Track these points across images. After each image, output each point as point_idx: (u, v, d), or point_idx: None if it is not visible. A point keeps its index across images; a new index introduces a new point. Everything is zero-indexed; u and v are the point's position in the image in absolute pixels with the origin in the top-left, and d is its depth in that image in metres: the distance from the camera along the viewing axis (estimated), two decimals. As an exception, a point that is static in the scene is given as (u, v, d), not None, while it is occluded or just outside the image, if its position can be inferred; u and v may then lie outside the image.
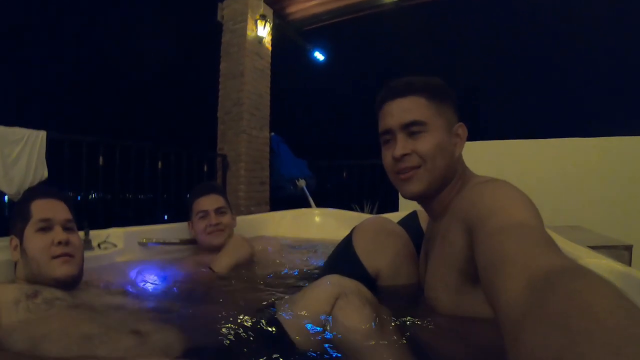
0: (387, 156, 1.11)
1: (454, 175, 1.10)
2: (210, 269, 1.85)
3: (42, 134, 3.20)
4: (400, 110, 1.07)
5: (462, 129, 1.11)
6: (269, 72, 5.94)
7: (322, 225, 2.90)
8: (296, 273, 1.79)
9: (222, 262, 1.86)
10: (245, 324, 1.11)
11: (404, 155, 1.06)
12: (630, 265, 1.70)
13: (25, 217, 1.33)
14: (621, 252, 1.96)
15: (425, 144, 1.04)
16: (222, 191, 2.18)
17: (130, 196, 4.74)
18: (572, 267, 0.55)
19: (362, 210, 5.09)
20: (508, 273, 0.60)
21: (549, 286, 0.51)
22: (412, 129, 1.05)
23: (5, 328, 1.05)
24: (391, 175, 1.14)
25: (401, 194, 1.13)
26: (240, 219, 2.20)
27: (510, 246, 0.66)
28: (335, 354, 0.89)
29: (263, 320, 1.04)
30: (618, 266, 1.16)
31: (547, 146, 3.24)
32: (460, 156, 1.12)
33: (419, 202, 1.18)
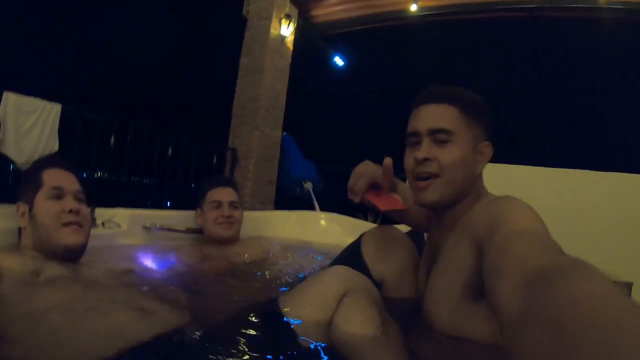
0: (410, 158, 1.09)
1: (470, 191, 1.08)
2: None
3: (57, 107, 3.20)
4: (431, 115, 1.06)
5: (487, 148, 1.09)
6: (288, 71, 5.94)
7: (327, 229, 2.88)
8: (302, 275, 1.77)
9: (242, 256, 1.94)
10: (246, 316, 1.10)
11: (426, 159, 1.04)
12: (630, 299, 1.68)
13: (37, 185, 1.32)
14: (621, 289, 1.93)
15: (448, 154, 1.02)
16: (237, 187, 2.18)
17: (136, 179, 4.73)
18: (564, 264, 0.55)
19: (365, 219, 5.07)
20: (506, 276, 0.62)
21: (542, 286, 0.52)
22: (438, 136, 1.03)
23: (7, 296, 1.04)
24: (409, 179, 1.12)
25: (414, 201, 1.11)
26: (245, 214, 2.18)
27: (511, 251, 0.68)
28: (338, 352, 0.87)
29: (264, 312, 1.03)
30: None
31: (553, 175, 3.20)
32: (481, 174, 1.11)
33: (431, 211, 1.17)
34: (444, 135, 1.03)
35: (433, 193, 1.05)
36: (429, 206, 1.10)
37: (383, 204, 1.17)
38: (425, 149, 1.04)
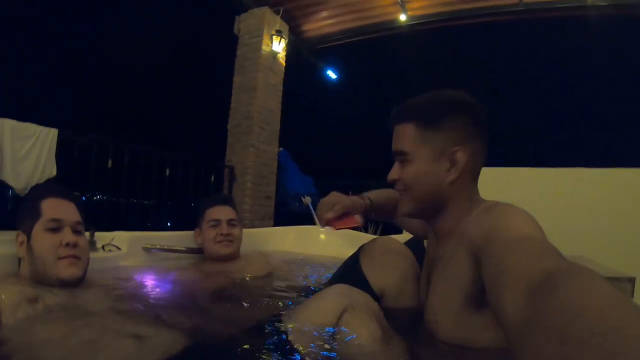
0: None
1: (446, 200, 1.06)
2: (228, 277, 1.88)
3: (53, 132, 3.21)
4: (395, 136, 1.13)
5: (460, 154, 1.02)
6: (281, 87, 5.98)
7: (327, 243, 2.88)
8: (302, 288, 1.77)
9: (244, 273, 1.94)
10: (249, 332, 1.11)
11: (395, 180, 1.12)
12: (632, 297, 1.68)
13: (35, 215, 1.32)
14: (624, 284, 1.93)
15: (407, 172, 1.08)
16: (234, 204, 2.18)
17: (135, 201, 4.72)
18: (565, 269, 0.56)
19: (365, 231, 5.06)
20: (508, 284, 0.63)
21: (544, 294, 0.52)
22: (399, 157, 1.10)
23: (6, 329, 1.03)
24: None
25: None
26: (244, 232, 2.18)
27: (510, 259, 0.69)
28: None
29: (267, 329, 1.03)
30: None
31: (552, 175, 3.19)
32: (467, 181, 1.07)
33: (423, 221, 1.23)
34: (401, 156, 1.09)
35: (403, 206, 1.14)
36: (406, 216, 1.19)
37: (337, 224, 1.40)
38: (393, 171, 1.12)
